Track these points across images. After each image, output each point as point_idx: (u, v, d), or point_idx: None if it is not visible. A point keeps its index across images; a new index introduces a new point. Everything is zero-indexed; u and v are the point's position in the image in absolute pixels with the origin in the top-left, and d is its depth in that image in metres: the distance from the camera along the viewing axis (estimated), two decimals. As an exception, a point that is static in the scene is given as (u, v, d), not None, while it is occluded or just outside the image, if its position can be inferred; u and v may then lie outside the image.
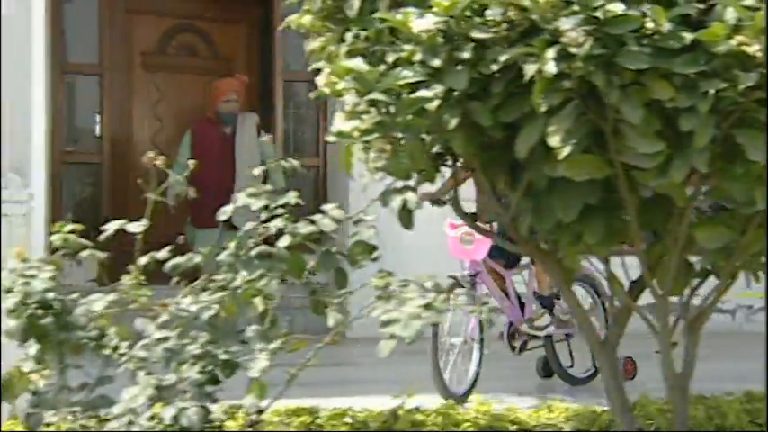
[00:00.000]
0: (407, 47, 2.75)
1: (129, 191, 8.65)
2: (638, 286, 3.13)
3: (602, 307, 5.70)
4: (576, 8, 2.39)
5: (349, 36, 2.90)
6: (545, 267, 3.09)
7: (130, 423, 2.49)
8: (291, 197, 3.20)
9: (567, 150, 2.48)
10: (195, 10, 8.72)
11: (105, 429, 2.48)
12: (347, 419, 3.12)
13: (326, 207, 3.23)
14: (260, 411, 2.62)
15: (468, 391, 4.81)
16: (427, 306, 2.38)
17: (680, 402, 2.88)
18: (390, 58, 2.77)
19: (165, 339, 2.61)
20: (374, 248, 3.21)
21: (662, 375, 2.88)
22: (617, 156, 2.55)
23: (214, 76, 8.64)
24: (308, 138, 9.23)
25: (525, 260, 5.54)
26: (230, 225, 7.47)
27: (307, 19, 3.32)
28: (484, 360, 4.97)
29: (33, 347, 2.78)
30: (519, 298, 5.51)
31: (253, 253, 3.15)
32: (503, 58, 2.53)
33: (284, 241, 3.17)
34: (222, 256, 3.13)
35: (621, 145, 2.49)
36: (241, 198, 3.13)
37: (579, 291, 5.60)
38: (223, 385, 2.66)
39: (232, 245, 3.12)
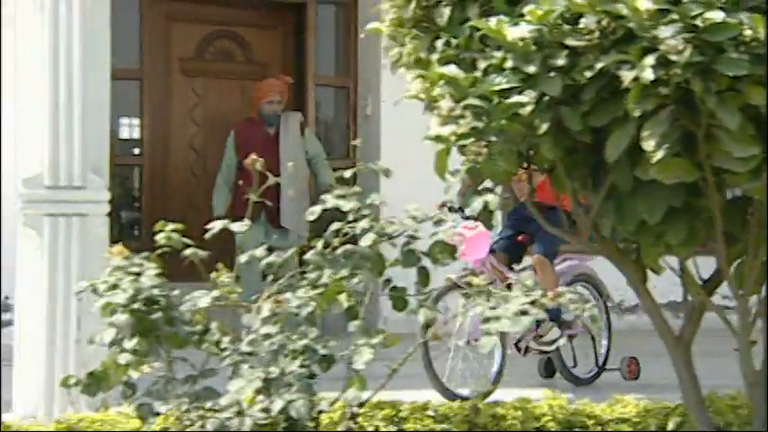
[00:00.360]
0: (498, 54, 2.86)
1: (167, 192, 8.80)
2: (711, 284, 3.22)
3: (603, 306, 5.82)
4: (674, 16, 2.48)
5: (439, 43, 3.00)
6: (621, 267, 3.18)
7: (239, 414, 2.59)
8: (376, 198, 3.30)
9: (660, 154, 2.58)
10: (232, 16, 8.84)
11: (216, 418, 2.57)
12: (430, 412, 3.21)
13: (409, 207, 3.34)
14: (362, 404, 2.72)
15: (489, 392, 4.74)
16: (533, 303, 2.47)
17: (759, 400, 2.96)
18: (482, 65, 2.87)
19: (272, 335, 2.70)
20: (455, 248, 3.31)
21: (741, 373, 2.96)
22: (707, 160, 2.64)
23: (250, 81, 8.79)
24: (337, 140, 9.34)
25: (527, 262, 5.63)
26: (277, 224, 7.36)
27: (386, 26, 3.44)
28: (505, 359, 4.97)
29: (130, 341, 2.87)
30: None
31: (338, 252, 3.25)
32: (599, 65, 2.63)
33: (367, 240, 3.27)
34: (309, 255, 3.23)
35: (714, 149, 2.59)
36: (330, 200, 3.22)
37: (581, 291, 5.68)
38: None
39: (319, 244, 3.21)
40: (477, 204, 3.16)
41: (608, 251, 3.14)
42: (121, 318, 2.80)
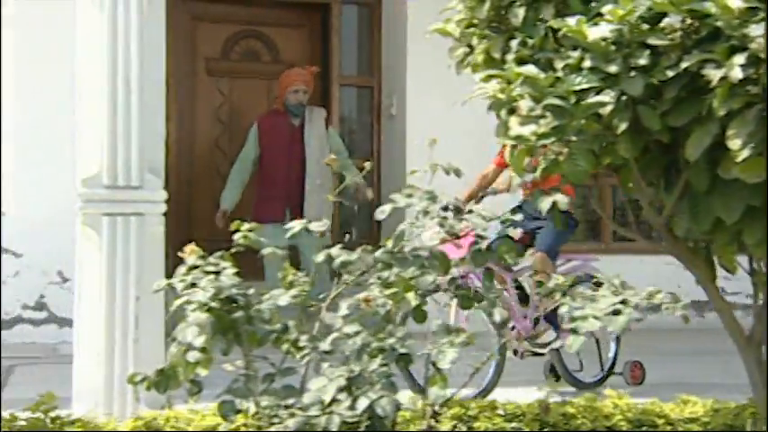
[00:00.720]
0: (574, 53, 2.87)
1: (193, 192, 8.81)
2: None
3: None
4: (763, 14, 2.49)
5: (514, 43, 3.00)
6: (690, 266, 3.18)
7: (326, 412, 2.60)
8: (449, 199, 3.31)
9: (745, 153, 2.58)
10: (258, 16, 8.86)
11: (301, 416, 2.58)
12: (500, 411, 3.22)
13: (477, 207, 3.34)
14: (446, 402, 2.72)
15: (486, 391, 4.73)
16: (623, 302, 2.48)
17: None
18: (558, 65, 2.88)
19: (356, 334, 2.71)
20: (523, 248, 3.32)
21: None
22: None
23: (275, 81, 8.81)
24: (361, 139, 9.35)
25: (524, 263, 5.47)
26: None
27: (452, 27, 3.45)
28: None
29: (198, 339, 2.88)
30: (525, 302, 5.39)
31: (406, 250, 3.25)
32: (684, 64, 2.64)
33: (434, 239, 3.28)
34: (378, 254, 3.23)
35: (800, 148, 2.59)
36: (401, 199, 3.22)
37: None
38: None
39: (389, 242, 3.22)
40: (545, 204, 3.15)
41: (678, 250, 3.15)
42: (202, 316, 2.81)
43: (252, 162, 7.43)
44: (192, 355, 2.99)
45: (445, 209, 5.59)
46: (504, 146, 5.66)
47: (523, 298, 5.43)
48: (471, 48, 3.37)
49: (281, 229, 6.74)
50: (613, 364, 5.71)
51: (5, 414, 3.33)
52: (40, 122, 7.07)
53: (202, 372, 3.02)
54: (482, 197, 5.52)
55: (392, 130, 8.95)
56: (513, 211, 5.71)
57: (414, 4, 8.50)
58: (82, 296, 4.04)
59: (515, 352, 5.35)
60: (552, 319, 5.27)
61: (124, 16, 4.01)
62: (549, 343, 5.32)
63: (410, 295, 3.15)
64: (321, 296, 3.19)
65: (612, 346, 5.74)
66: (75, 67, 4.14)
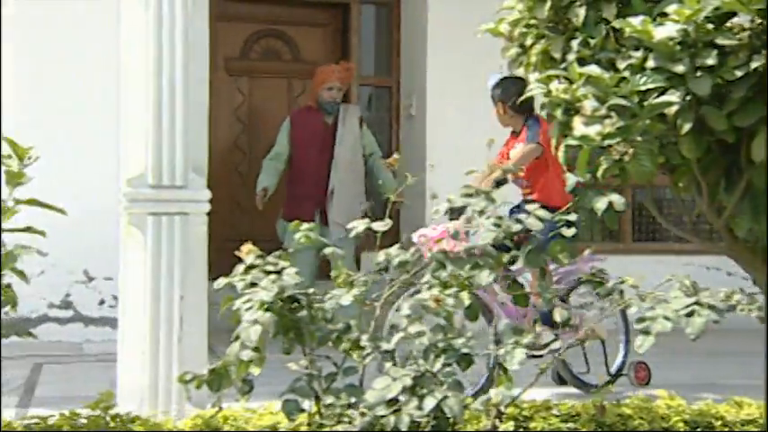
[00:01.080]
0: (637, 53, 2.87)
1: (212, 191, 8.79)
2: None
3: (619, 310, 5.30)
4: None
5: (575, 43, 3.00)
6: (748, 267, 3.18)
7: (395, 411, 2.59)
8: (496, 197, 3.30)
9: (816, 153, 2.59)
10: (278, 15, 8.86)
11: (370, 415, 2.58)
12: (554, 412, 3.21)
13: (531, 207, 3.34)
14: (513, 400, 2.72)
15: (482, 390, 4.66)
16: (697, 303, 2.48)
17: None
18: (621, 65, 2.88)
19: (423, 333, 2.71)
20: (574, 248, 3.32)
21: None
22: None
23: (297, 80, 8.82)
24: (380, 140, 9.36)
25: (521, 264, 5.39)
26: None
27: (504, 27, 3.45)
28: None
29: (274, 338, 2.88)
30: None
31: (460, 250, 3.25)
32: (754, 64, 2.64)
33: (488, 238, 3.27)
34: (433, 253, 3.23)
35: None
36: (459, 198, 3.22)
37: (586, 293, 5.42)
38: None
39: (444, 242, 3.22)
40: (601, 204, 3.15)
41: (738, 251, 3.14)
42: (266, 316, 2.81)
43: (284, 159, 7.22)
44: (246, 354, 2.99)
45: (445, 212, 5.65)
46: (506, 144, 5.72)
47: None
48: (524, 48, 3.37)
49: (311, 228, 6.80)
50: (622, 366, 5.61)
51: (66, 412, 3.33)
52: (60, 122, 7.07)
53: (255, 371, 3.02)
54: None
55: (411, 131, 8.95)
56: (512, 210, 5.66)
57: (434, 4, 8.51)
58: (126, 295, 4.04)
59: None
60: (547, 319, 5.17)
61: (169, 14, 4.00)
62: (548, 344, 5.21)
63: (464, 294, 3.15)
64: (375, 295, 3.19)
65: (622, 348, 5.65)
66: (120, 66, 4.13)
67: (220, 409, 3.35)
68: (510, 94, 5.63)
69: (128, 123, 4.04)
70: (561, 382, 5.48)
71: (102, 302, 7.25)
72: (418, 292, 4.49)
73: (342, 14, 8.99)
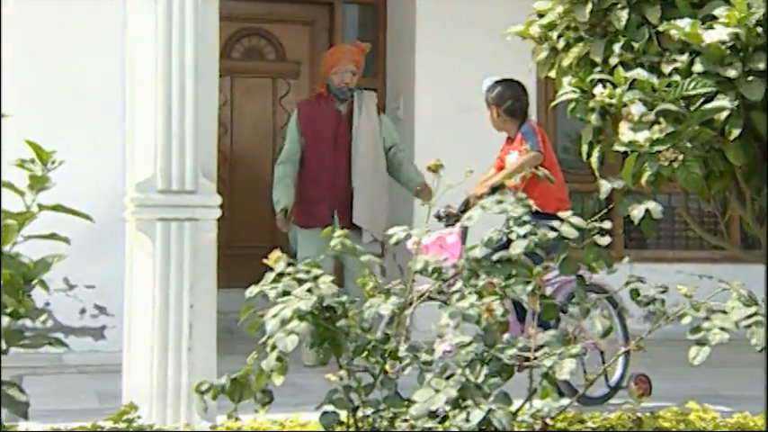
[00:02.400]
0: (682, 57, 2.89)
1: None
2: None
3: (618, 318, 5.50)
4: None
5: (617, 47, 3.02)
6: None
7: (444, 425, 2.59)
8: (531, 203, 3.31)
9: None
10: (261, 13, 8.84)
11: (410, 427, 2.57)
12: (589, 424, 3.22)
13: (564, 214, 3.35)
14: (560, 412, 2.73)
15: None
16: (758, 314, 2.49)
17: None
18: (666, 69, 2.91)
19: (468, 344, 2.71)
20: (610, 257, 3.33)
21: None
22: None
23: (280, 80, 8.80)
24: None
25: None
26: (348, 223, 6.30)
27: (534, 29, 3.46)
28: None
29: (311, 349, 2.87)
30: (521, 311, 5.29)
31: (494, 258, 3.25)
32: (809, 69, 2.67)
33: (520, 246, 3.28)
34: (463, 261, 3.23)
35: None
36: (491, 204, 3.21)
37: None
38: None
39: (477, 250, 3.21)
40: (638, 211, 3.17)
41: (773, 258, 3.18)
42: (302, 325, 2.79)
43: (298, 159, 6.48)
44: (267, 364, 2.98)
45: (439, 218, 5.63)
46: (502, 149, 5.74)
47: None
48: (555, 51, 3.39)
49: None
50: (622, 378, 5.59)
51: (88, 425, 3.29)
52: (47, 127, 6.99)
53: (278, 381, 3.01)
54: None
55: (399, 133, 8.95)
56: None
57: (423, 5, 8.53)
58: (132, 303, 3.99)
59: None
60: (544, 327, 5.20)
61: (179, 12, 3.97)
62: (542, 346, 5.15)
63: (497, 304, 3.15)
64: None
65: (621, 360, 5.61)
66: (126, 67, 4.09)
67: (238, 419, 3.32)
68: (505, 99, 5.63)
69: (135, 126, 4.01)
70: (560, 394, 5.43)
71: (83, 312, 7.17)
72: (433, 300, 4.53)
73: (328, 12, 8.98)
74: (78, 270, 6.99)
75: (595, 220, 3.35)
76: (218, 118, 8.60)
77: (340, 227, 6.13)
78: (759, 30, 2.79)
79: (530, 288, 3.01)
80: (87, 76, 6.90)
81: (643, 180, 2.94)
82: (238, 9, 8.76)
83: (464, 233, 5.17)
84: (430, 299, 4.03)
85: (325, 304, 2.81)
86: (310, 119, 6.50)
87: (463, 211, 5.30)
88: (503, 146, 5.83)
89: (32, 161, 2.82)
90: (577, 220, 3.33)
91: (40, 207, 2.87)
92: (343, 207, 6.39)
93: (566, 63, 3.23)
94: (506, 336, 5.01)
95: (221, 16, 8.73)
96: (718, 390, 5.91)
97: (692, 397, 5.12)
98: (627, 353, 5.54)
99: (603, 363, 5.41)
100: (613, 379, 5.58)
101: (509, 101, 5.60)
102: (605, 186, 3.26)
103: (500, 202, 3.28)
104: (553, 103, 3.20)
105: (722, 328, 2.52)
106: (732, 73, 2.76)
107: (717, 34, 2.77)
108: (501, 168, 5.70)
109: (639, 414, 3.11)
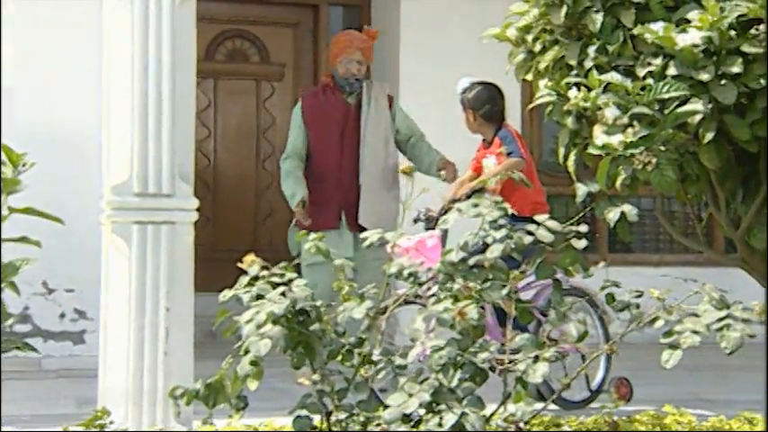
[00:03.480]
0: (656, 61, 2.92)
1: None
2: None
3: (599, 321, 5.47)
4: None
5: (592, 50, 3.04)
6: (763, 280, 3.24)
7: (415, 426, 2.61)
8: (507, 207, 3.32)
9: (843, 164, 2.65)
10: (245, 15, 8.84)
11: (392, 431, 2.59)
12: (565, 428, 3.24)
13: (541, 218, 3.36)
14: (533, 416, 2.75)
15: None
16: (729, 317, 2.51)
17: None
18: (640, 72, 2.93)
19: (442, 348, 2.73)
20: (586, 260, 3.35)
21: None
22: None
23: (264, 82, 8.81)
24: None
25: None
26: (355, 224, 5.77)
27: (511, 32, 3.48)
28: None
29: (284, 353, 2.89)
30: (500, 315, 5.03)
31: (470, 262, 3.27)
32: (782, 73, 2.70)
33: (496, 251, 3.29)
34: (440, 265, 3.24)
35: None
36: (465, 206, 3.22)
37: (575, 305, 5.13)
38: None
39: (452, 254, 3.22)
40: (614, 214, 3.18)
41: (753, 263, 3.20)
42: (275, 329, 2.80)
43: (304, 154, 5.96)
44: (242, 368, 2.99)
45: (416, 221, 5.61)
46: (478, 151, 5.71)
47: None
48: (532, 54, 3.41)
49: (338, 237, 5.62)
50: (603, 382, 5.54)
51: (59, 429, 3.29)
52: (26, 130, 6.99)
53: (252, 386, 3.02)
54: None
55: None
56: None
57: (407, 7, 8.55)
58: (108, 308, 4.00)
59: (492, 369, 5.20)
60: (522, 329, 5.15)
61: (156, 14, 3.98)
62: (520, 350, 5.12)
63: (472, 308, 3.16)
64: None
65: (602, 363, 5.57)
66: (103, 70, 4.09)
67: (211, 424, 3.33)
68: (482, 102, 5.58)
69: (111, 128, 4.01)
70: (540, 397, 5.40)
71: (62, 316, 7.16)
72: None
73: (312, 14, 9.00)
74: (58, 273, 7.00)
75: (572, 224, 3.37)
76: (202, 121, 8.78)
77: (348, 229, 5.73)
78: (732, 33, 2.81)
79: (504, 292, 3.02)
80: (69, 75, 6.90)
81: (618, 183, 2.96)
82: (222, 11, 8.78)
83: (444, 236, 5.19)
84: (407, 303, 4.07)
85: (298, 308, 2.82)
86: (315, 112, 5.96)
87: (443, 215, 5.31)
88: (478, 148, 5.79)
89: (4, 164, 2.82)
90: (553, 224, 3.35)
91: (11, 210, 2.87)
92: (351, 207, 5.89)
93: (542, 66, 3.24)
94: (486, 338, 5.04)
95: (204, 18, 8.77)
96: (700, 393, 5.95)
97: (673, 401, 5.16)
98: (609, 357, 5.60)
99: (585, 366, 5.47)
100: (594, 383, 5.56)
101: (487, 105, 5.56)
102: (581, 190, 3.28)
103: (476, 205, 3.30)
104: (530, 107, 3.21)
105: (694, 332, 2.53)
106: (705, 76, 2.78)
107: (690, 38, 2.80)
108: (477, 171, 5.67)
109: (616, 418, 3.12)
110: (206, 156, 8.78)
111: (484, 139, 5.71)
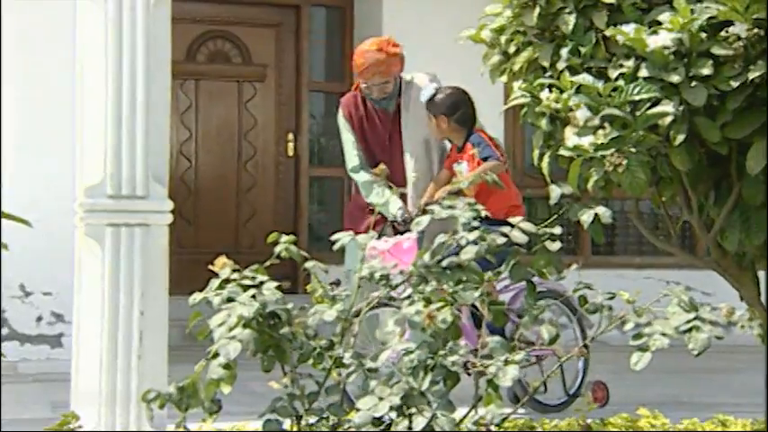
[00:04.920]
0: (628, 62, 2.93)
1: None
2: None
3: (577, 323, 5.42)
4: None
5: (564, 52, 3.06)
6: (738, 284, 3.26)
7: (388, 429, 2.61)
8: (481, 208, 3.33)
9: (813, 166, 2.67)
10: (226, 16, 8.84)
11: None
12: (539, 430, 3.25)
13: (515, 220, 3.38)
14: (504, 419, 2.76)
15: None
16: (698, 319, 2.53)
17: None
18: (612, 74, 2.94)
19: (412, 351, 2.73)
20: (560, 262, 3.36)
21: None
22: None
23: (246, 83, 8.79)
24: (334, 146, 9.38)
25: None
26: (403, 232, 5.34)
27: (486, 33, 3.49)
28: None
29: (254, 356, 2.89)
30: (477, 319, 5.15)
31: (444, 264, 3.28)
32: (752, 75, 2.71)
33: (470, 253, 3.30)
34: (415, 267, 3.25)
35: None
36: (441, 210, 3.23)
37: (552, 308, 5.18)
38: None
39: (426, 256, 3.23)
40: (587, 216, 3.20)
41: (725, 266, 3.22)
42: (245, 332, 2.81)
43: (365, 162, 5.57)
44: (215, 372, 2.99)
45: (394, 223, 5.58)
46: (451, 149, 5.65)
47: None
48: (507, 55, 3.42)
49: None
50: (580, 386, 5.53)
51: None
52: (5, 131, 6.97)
53: (225, 389, 3.02)
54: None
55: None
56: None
57: (389, 9, 8.57)
58: (81, 311, 4.00)
59: (468, 373, 5.11)
60: (498, 332, 4.71)
61: (130, 15, 3.98)
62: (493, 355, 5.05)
63: (447, 311, 3.17)
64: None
65: (580, 365, 5.56)
66: (76, 70, 4.09)
67: (185, 428, 3.33)
68: (456, 108, 5.48)
69: (84, 130, 4.01)
70: (516, 401, 5.23)
71: (39, 319, 7.14)
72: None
73: (294, 15, 9.00)
74: (35, 276, 6.98)
75: (547, 226, 3.39)
76: (183, 122, 8.77)
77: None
78: (702, 35, 2.83)
79: (477, 294, 3.03)
80: (48, 77, 6.89)
81: (590, 185, 2.97)
82: (203, 11, 8.77)
83: (420, 239, 5.18)
84: (381, 305, 4.06)
85: (268, 311, 2.83)
86: (358, 120, 5.65)
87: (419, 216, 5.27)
88: (449, 153, 5.65)
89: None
90: (528, 226, 3.36)
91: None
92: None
93: (516, 68, 3.26)
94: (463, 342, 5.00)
95: (185, 19, 8.80)
96: (679, 396, 5.98)
97: (651, 403, 5.18)
98: (586, 360, 5.57)
99: (562, 371, 5.24)
100: (571, 386, 5.52)
101: (460, 109, 5.48)
102: (555, 192, 3.29)
103: (450, 207, 3.31)
104: (503, 109, 3.22)
105: (663, 334, 2.55)
106: (675, 78, 2.80)
107: (660, 39, 2.81)
108: (450, 169, 5.57)
109: (589, 420, 3.13)
110: (187, 157, 8.77)
111: (454, 145, 5.63)
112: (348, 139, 5.68)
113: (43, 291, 7.07)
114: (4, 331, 7.07)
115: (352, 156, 5.65)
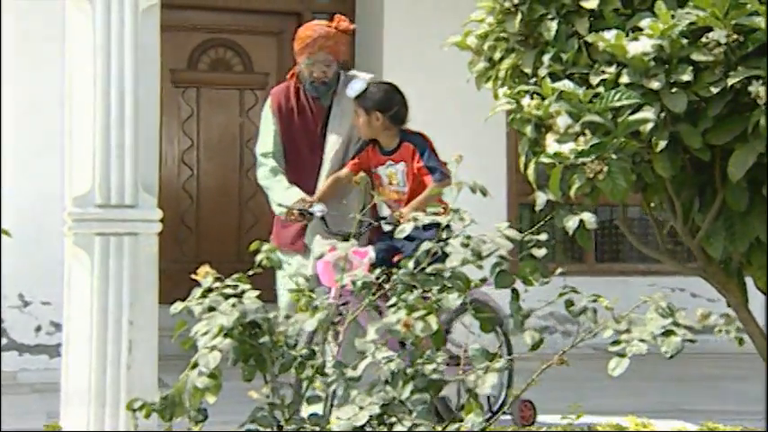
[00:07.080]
0: (610, 69, 2.93)
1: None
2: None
3: (503, 337, 4.87)
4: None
5: (546, 58, 3.06)
6: (721, 289, 3.25)
7: (362, 441, 2.62)
8: (466, 216, 3.33)
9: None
10: (227, 24, 8.87)
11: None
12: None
13: (501, 225, 3.37)
14: (483, 428, 2.76)
15: None
16: (674, 324, 2.53)
17: None
18: (594, 80, 2.95)
19: (392, 360, 2.74)
20: (546, 268, 3.36)
21: None
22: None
23: (248, 91, 8.82)
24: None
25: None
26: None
27: (471, 40, 3.50)
28: None
29: (234, 366, 2.90)
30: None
31: (428, 270, 3.28)
32: (731, 81, 2.71)
33: (456, 259, 3.30)
34: (399, 275, 3.25)
35: None
36: (424, 217, 3.23)
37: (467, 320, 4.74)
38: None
39: (410, 263, 3.24)
40: (573, 223, 3.20)
41: (711, 272, 3.22)
42: (225, 342, 2.81)
43: (281, 156, 5.13)
44: (201, 381, 3.00)
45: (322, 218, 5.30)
46: (371, 159, 5.37)
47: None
48: (492, 62, 3.43)
49: (306, 255, 4.93)
50: (504, 401, 5.05)
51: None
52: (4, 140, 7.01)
53: (211, 399, 3.02)
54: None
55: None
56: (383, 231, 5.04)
57: (390, 17, 8.58)
58: (71, 321, 4.01)
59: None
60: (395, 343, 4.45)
61: (118, 23, 4.00)
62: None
63: (431, 318, 3.17)
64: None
65: (504, 381, 5.02)
66: (66, 79, 4.12)
67: (172, 438, 3.33)
68: (392, 104, 4.97)
69: (74, 139, 4.03)
70: (439, 419, 4.55)
71: (38, 329, 7.17)
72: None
73: (296, 23, 9.01)
74: (34, 286, 7.01)
75: (532, 232, 3.39)
76: (185, 131, 8.80)
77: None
78: (683, 41, 2.83)
79: (459, 301, 3.04)
80: (42, 84, 6.92)
81: (572, 192, 2.97)
82: (204, 19, 8.81)
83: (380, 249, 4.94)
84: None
85: (248, 320, 2.83)
86: (285, 112, 5.14)
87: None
88: (368, 153, 5.04)
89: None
90: (512, 233, 3.37)
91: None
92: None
93: (501, 74, 3.26)
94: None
95: (187, 27, 8.83)
96: (678, 404, 5.97)
97: (650, 411, 5.17)
98: (510, 376, 4.96)
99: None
100: (496, 401, 5.06)
101: (396, 107, 4.96)
102: (540, 198, 3.29)
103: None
104: (490, 114, 3.23)
105: (641, 340, 2.55)
106: (656, 84, 2.80)
107: (640, 46, 2.82)
108: (354, 169, 4.97)
109: (577, 429, 3.13)
110: (189, 166, 8.80)
111: (375, 145, 5.05)
112: (270, 128, 5.14)
113: (42, 300, 7.10)
114: (3, 341, 7.10)
115: (268, 141, 5.15)
